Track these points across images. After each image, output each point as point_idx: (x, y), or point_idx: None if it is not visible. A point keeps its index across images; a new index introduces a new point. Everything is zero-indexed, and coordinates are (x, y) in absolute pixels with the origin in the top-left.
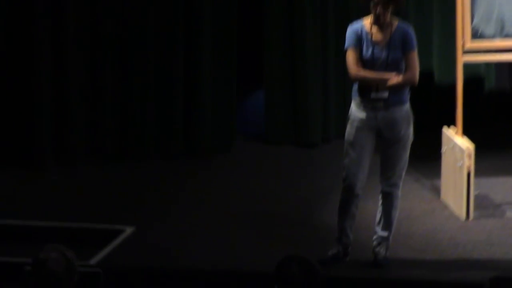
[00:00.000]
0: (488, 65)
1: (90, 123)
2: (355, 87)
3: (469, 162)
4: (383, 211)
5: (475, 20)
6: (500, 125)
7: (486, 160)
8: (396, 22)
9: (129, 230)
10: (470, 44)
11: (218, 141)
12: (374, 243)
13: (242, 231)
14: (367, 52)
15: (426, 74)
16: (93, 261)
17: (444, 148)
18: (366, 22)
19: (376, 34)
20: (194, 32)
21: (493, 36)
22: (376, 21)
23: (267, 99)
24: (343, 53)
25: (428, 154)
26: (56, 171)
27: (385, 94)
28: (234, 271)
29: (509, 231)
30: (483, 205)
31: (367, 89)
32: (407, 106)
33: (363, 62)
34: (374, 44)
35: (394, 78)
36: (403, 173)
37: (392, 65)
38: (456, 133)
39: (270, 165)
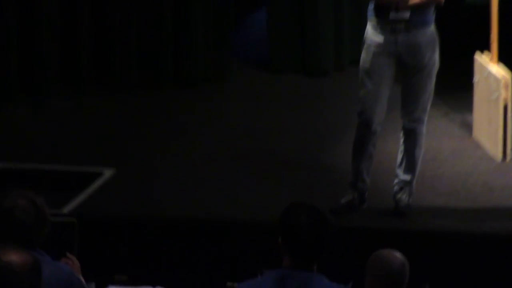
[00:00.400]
0: None
1: (64, 48)
2: (371, 6)
3: (505, 94)
4: (405, 151)
5: None
6: None
7: None
8: None
9: (108, 173)
10: None
11: (212, 69)
12: (395, 188)
13: (240, 174)
14: None
15: None
16: (67, 209)
17: (476, 78)
18: None
19: None
20: None
21: None
22: None
23: (270, 19)
24: None
25: (458, 84)
26: (23, 103)
27: (407, 14)
28: (230, 220)
29: None
30: None
31: (385, 8)
32: (431, 28)
33: None
34: None
35: None
36: (428, 106)
37: None
38: (491, 59)
39: (274, 97)
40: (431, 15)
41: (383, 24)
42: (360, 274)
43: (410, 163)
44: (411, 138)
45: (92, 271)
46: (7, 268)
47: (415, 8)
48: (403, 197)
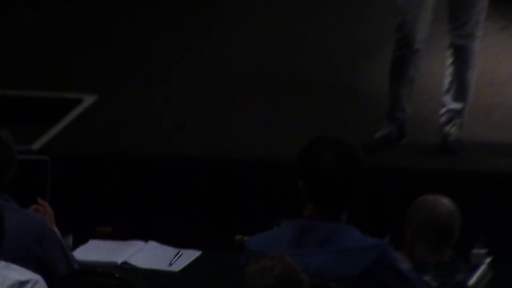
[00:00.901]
0: None
1: None
2: None
3: None
4: (454, 74)
5: None
6: None
7: None
8: None
9: (88, 99)
10: None
11: None
12: (443, 119)
13: (251, 101)
14: None
15: None
16: (38, 144)
17: None
18: None
19: None
20: None
21: None
22: None
23: None
24: None
25: None
26: None
27: None
28: (238, 159)
29: None
30: None
31: None
32: None
33: None
34: None
35: None
36: (482, 18)
37: None
38: None
39: (293, 3)
40: None
41: None
42: (399, 225)
43: (460, 89)
44: (462, 57)
45: (69, 221)
46: None
47: None
48: (452, 130)
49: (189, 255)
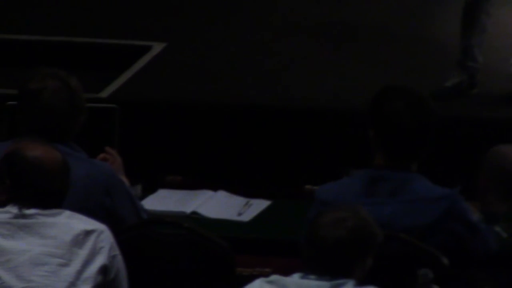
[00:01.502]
0: None
1: None
2: None
3: None
4: None
5: None
6: None
7: None
8: None
9: (157, 47)
10: None
11: None
12: None
13: (318, 52)
14: None
15: None
16: (106, 92)
17: None
18: None
19: None
20: None
21: None
22: None
23: None
24: None
25: None
26: None
27: None
28: (307, 108)
29: None
30: None
31: None
32: None
33: None
34: None
35: None
36: None
37: None
38: None
39: None
40: None
41: None
42: (471, 176)
43: None
44: None
45: (138, 170)
46: (35, 164)
47: None
48: None
49: (259, 205)
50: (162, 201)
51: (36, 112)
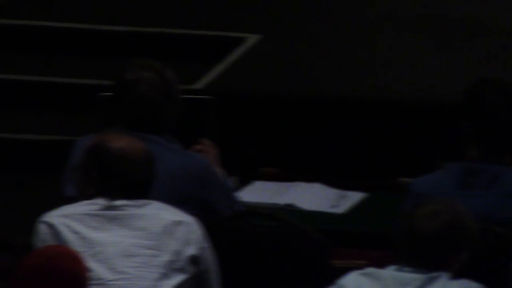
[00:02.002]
0: None
1: None
2: None
3: None
4: None
5: None
6: None
7: None
8: None
9: (252, 38)
10: None
11: None
12: None
13: (415, 44)
14: None
15: None
16: (201, 84)
17: None
18: None
19: None
20: None
21: None
22: None
23: None
24: None
25: None
26: None
27: None
28: (400, 100)
29: None
30: None
31: None
32: None
33: None
34: None
35: None
36: None
37: None
38: None
39: None
40: None
41: None
42: None
43: None
44: None
45: (233, 162)
46: (120, 155)
47: None
48: None
49: (353, 197)
50: (257, 193)
51: (131, 103)
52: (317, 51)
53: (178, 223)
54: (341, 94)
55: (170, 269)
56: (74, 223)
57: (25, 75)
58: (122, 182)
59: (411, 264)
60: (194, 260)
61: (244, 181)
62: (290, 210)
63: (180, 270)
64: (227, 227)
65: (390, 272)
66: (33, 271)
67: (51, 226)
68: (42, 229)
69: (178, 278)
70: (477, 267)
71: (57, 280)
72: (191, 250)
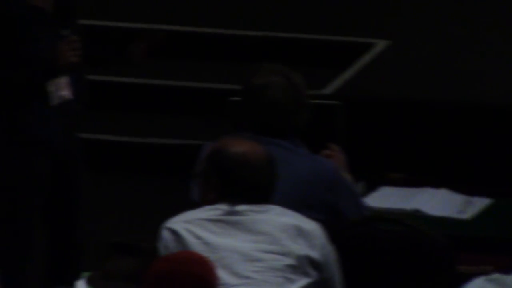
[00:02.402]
0: None
1: None
2: None
3: None
4: None
5: None
6: None
7: None
8: None
9: (382, 44)
10: None
11: None
12: None
13: None
14: None
15: None
16: (330, 89)
17: None
18: None
19: None
20: None
21: None
22: None
23: None
24: None
25: None
26: None
27: None
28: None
29: None
30: None
31: None
32: None
33: None
34: None
35: None
36: None
37: None
38: None
39: None
40: None
41: None
42: None
43: None
44: None
45: (361, 167)
46: (241, 160)
47: None
48: None
49: (480, 203)
50: (384, 198)
51: (260, 108)
52: (446, 57)
53: (301, 228)
54: (469, 99)
55: (294, 273)
56: (196, 228)
57: (157, 79)
58: (243, 187)
59: None
60: (317, 265)
61: (371, 187)
62: (417, 216)
63: (303, 274)
64: (353, 232)
65: None
66: (164, 276)
67: (174, 232)
68: (165, 235)
69: (301, 282)
70: None
71: (188, 285)
72: (314, 255)
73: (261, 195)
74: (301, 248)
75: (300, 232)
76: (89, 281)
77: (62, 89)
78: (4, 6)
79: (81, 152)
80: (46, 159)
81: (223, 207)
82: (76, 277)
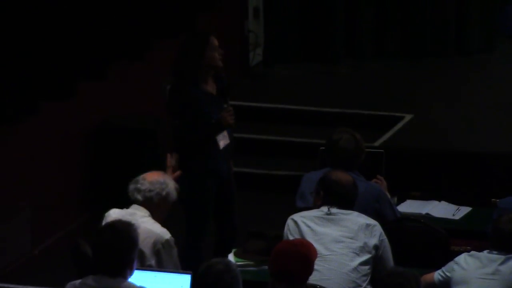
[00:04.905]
0: None
1: (376, 25)
2: None
3: None
4: None
5: None
6: None
7: None
8: None
9: (408, 116)
10: None
11: (485, 42)
12: None
13: (503, 118)
14: None
15: None
16: (377, 143)
17: None
18: None
19: None
20: None
21: None
22: None
23: None
24: None
25: None
26: (347, 65)
27: None
28: (495, 152)
29: None
30: None
31: None
32: None
33: None
34: None
35: None
36: None
37: None
38: None
39: None
40: None
41: None
42: None
43: None
44: None
45: (395, 189)
46: (337, 182)
47: None
48: None
49: (465, 210)
50: (408, 207)
51: (336, 152)
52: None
53: (368, 224)
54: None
55: (361, 251)
56: (308, 221)
57: (273, 136)
58: (338, 198)
59: (497, 249)
60: (376, 247)
61: (401, 200)
62: (427, 217)
63: (367, 252)
64: (392, 227)
65: (484, 254)
66: (282, 253)
67: (295, 222)
68: (289, 223)
69: (365, 256)
70: None
71: (296, 259)
72: (374, 241)
73: (348, 203)
74: (367, 236)
75: (367, 227)
76: (235, 254)
77: (225, 138)
78: (190, 92)
79: (233, 177)
80: (216, 181)
81: (324, 209)
82: (230, 251)
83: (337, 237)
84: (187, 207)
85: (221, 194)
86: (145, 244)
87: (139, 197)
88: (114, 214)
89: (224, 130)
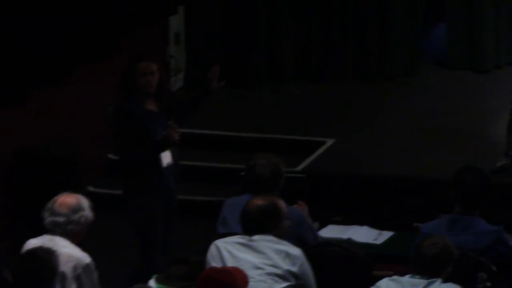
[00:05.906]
0: None
1: (297, 50)
2: None
3: None
4: None
5: None
6: None
7: None
8: None
9: (330, 141)
10: None
11: (406, 66)
12: None
13: (424, 143)
14: None
15: None
16: (299, 167)
17: None
18: None
19: None
20: None
21: None
22: None
23: (449, 31)
24: None
25: None
26: (268, 89)
27: None
28: (415, 177)
29: None
30: None
31: None
32: None
33: None
34: None
35: None
36: None
37: None
38: None
39: (449, 87)
40: None
41: None
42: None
43: None
44: None
45: (317, 214)
46: (255, 208)
47: None
48: None
49: (387, 234)
50: (330, 232)
51: (252, 179)
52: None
53: (288, 253)
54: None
55: (282, 278)
56: (229, 246)
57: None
58: (255, 225)
59: (419, 274)
60: (296, 276)
61: (323, 225)
62: (349, 242)
63: (286, 279)
64: (313, 252)
65: (406, 279)
66: (208, 280)
67: (217, 247)
68: (212, 248)
69: (284, 284)
70: (457, 276)
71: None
72: (294, 269)
73: (267, 227)
74: (286, 263)
75: (287, 256)
76: (157, 280)
77: (168, 157)
78: (132, 110)
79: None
80: (162, 198)
81: (245, 237)
82: (150, 278)
83: (256, 263)
84: (136, 225)
85: (167, 209)
86: (65, 269)
87: (58, 229)
88: (33, 242)
89: (170, 147)
